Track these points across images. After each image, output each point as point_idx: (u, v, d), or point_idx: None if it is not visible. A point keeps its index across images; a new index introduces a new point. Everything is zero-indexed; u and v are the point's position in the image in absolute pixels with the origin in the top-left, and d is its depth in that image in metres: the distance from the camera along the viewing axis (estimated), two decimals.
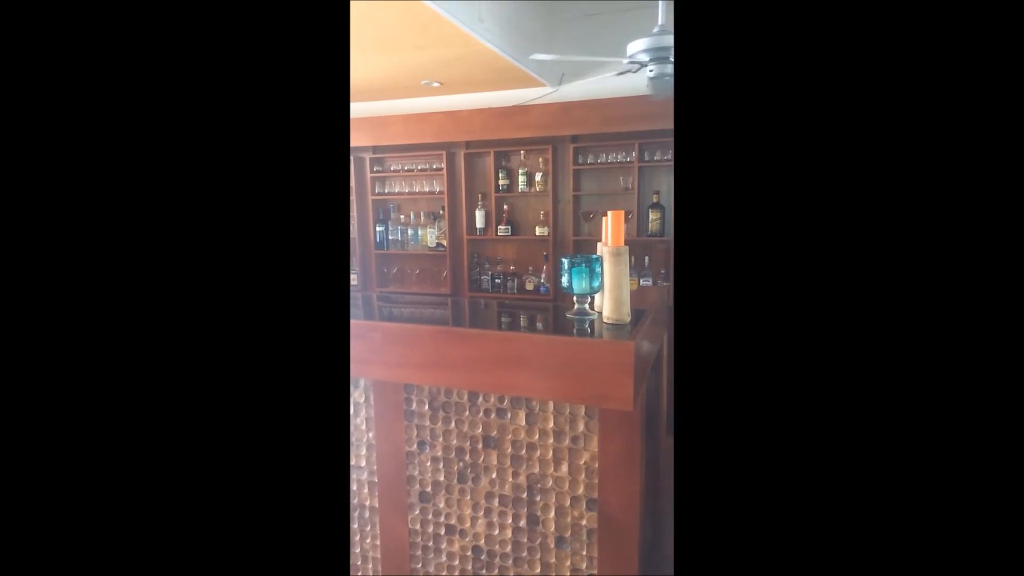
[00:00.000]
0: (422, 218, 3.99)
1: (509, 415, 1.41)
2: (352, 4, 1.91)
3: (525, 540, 1.44)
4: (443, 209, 3.84)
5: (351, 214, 4.03)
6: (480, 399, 1.44)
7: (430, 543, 1.55)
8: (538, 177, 3.59)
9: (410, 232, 4.01)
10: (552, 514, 1.40)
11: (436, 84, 3.42)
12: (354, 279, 4.11)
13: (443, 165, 3.76)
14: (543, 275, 3.70)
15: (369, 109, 3.97)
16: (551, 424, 1.37)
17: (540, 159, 3.61)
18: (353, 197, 4.01)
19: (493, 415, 1.43)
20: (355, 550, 1.67)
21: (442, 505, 1.52)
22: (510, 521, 1.45)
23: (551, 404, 1.36)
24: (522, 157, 3.66)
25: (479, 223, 3.76)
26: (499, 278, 3.82)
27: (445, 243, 3.86)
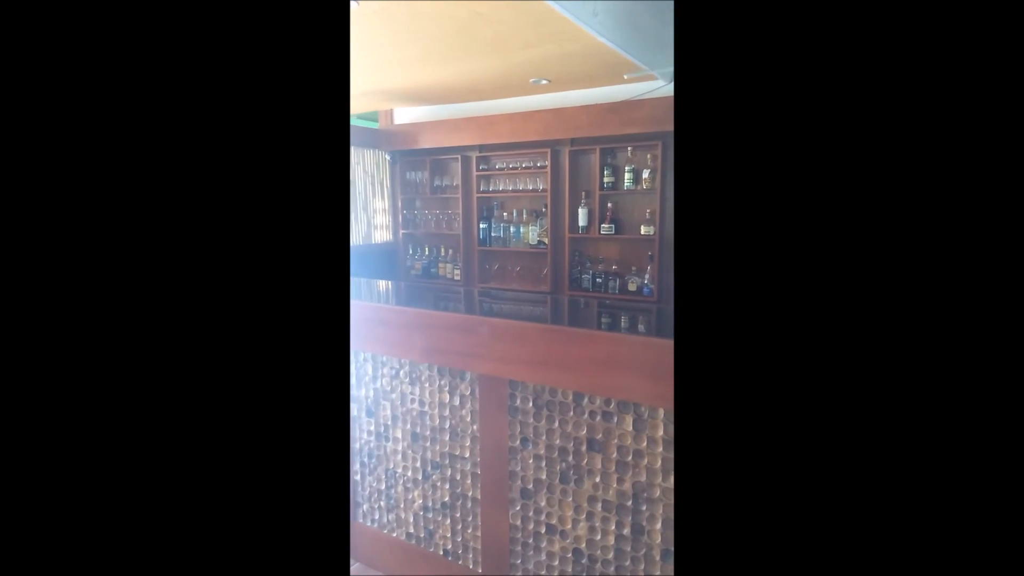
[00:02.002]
0: (524, 216, 4.02)
1: (616, 419, 1.37)
2: (466, 7, 1.95)
3: (629, 549, 1.39)
4: (546, 207, 3.84)
5: (457, 211, 4.15)
6: (585, 400, 1.41)
7: (530, 540, 1.55)
8: (645, 174, 3.48)
9: (512, 229, 4.06)
10: (659, 525, 1.34)
11: (544, 82, 3.42)
12: (457, 274, 4.23)
13: (547, 163, 3.76)
14: (647, 275, 3.58)
15: (476, 108, 4.06)
16: (660, 432, 1.31)
17: (648, 155, 3.49)
18: (459, 195, 4.13)
19: (599, 417, 1.40)
20: (456, 539, 1.71)
21: (543, 504, 1.51)
22: (613, 528, 1.41)
23: (661, 411, 1.31)
24: (629, 154, 3.57)
25: (582, 221, 3.72)
26: (600, 277, 3.75)
27: (547, 241, 3.86)
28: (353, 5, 1.85)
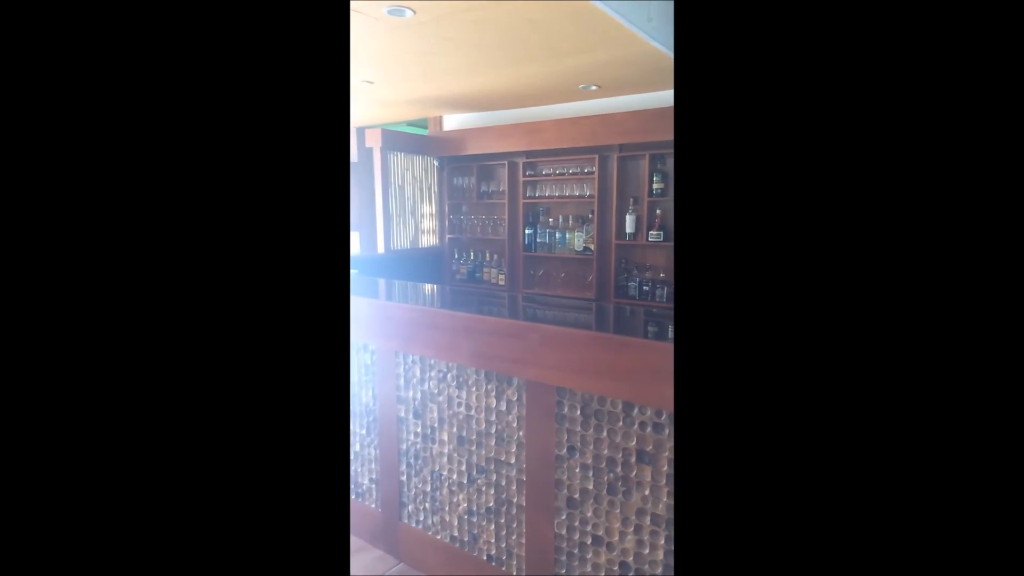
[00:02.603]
0: (570, 221, 4.00)
1: (667, 431, 1.34)
2: (519, 14, 1.96)
3: None
4: (592, 213, 3.82)
5: (503, 216, 4.17)
6: (635, 411, 1.38)
7: (575, 551, 1.53)
8: None
9: (558, 235, 4.05)
10: None
11: (594, 87, 3.40)
12: (501, 279, 4.25)
13: (595, 168, 3.74)
14: None
15: (523, 115, 4.08)
16: None
17: None
18: (505, 200, 4.15)
19: (649, 429, 1.37)
20: (500, 544, 1.71)
21: (590, 514, 1.49)
22: (663, 542, 1.37)
23: None
24: None
25: (629, 228, 3.67)
26: (647, 285, 3.69)
27: (593, 247, 3.83)
28: (407, 13, 1.90)
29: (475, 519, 1.77)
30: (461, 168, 4.34)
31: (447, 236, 4.43)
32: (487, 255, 4.36)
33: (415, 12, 1.84)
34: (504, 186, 4.14)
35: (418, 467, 1.92)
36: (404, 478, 1.97)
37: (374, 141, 3.74)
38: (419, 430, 1.90)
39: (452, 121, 4.27)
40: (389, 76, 2.75)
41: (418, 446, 1.91)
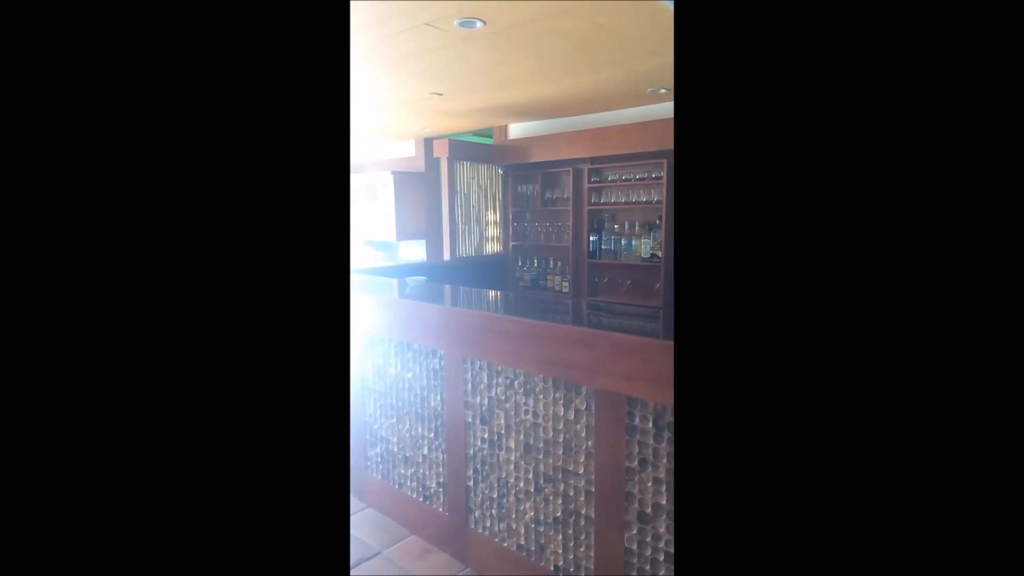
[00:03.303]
0: (636, 228, 3.92)
1: None
2: (589, 20, 1.95)
3: None
4: (660, 219, 3.72)
5: (567, 223, 4.15)
6: None
7: (647, 567, 1.48)
8: None
9: (623, 242, 3.97)
10: None
11: (663, 91, 3.33)
12: (565, 286, 4.22)
13: (663, 174, 3.65)
14: None
15: (588, 121, 4.05)
16: None
17: None
18: (569, 207, 4.13)
19: None
20: (567, 556, 1.68)
21: (662, 531, 1.44)
22: None
23: None
24: None
25: None
26: None
27: (660, 254, 3.73)
28: (477, 25, 1.93)
29: (542, 528, 1.75)
30: (525, 176, 4.36)
31: (511, 243, 4.46)
32: (551, 262, 4.35)
33: (486, 23, 1.87)
34: (568, 193, 4.12)
35: (485, 473, 1.93)
36: (471, 483, 1.98)
37: (442, 151, 3.83)
38: (486, 436, 1.91)
39: (517, 129, 4.31)
40: (458, 87, 2.81)
41: (485, 452, 1.92)
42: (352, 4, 1.73)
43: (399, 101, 3.13)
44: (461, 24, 1.88)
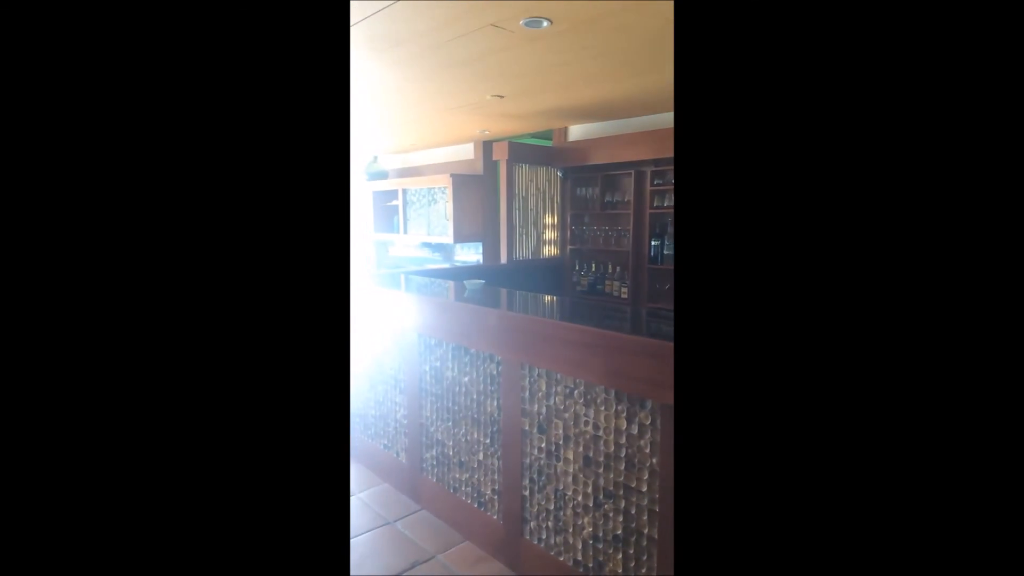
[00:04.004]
0: None
1: None
2: (661, 16, 1.86)
3: None
4: None
5: (627, 227, 4.04)
6: None
7: None
8: None
9: None
10: None
11: None
12: (624, 292, 4.11)
13: None
14: None
15: (650, 122, 3.93)
16: None
17: None
18: (630, 211, 4.01)
19: None
20: (627, 575, 1.60)
21: None
22: None
23: None
24: None
25: None
26: None
27: None
28: (544, 24, 1.88)
29: (600, 546, 1.68)
30: (585, 178, 4.28)
31: (568, 247, 4.39)
32: (609, 267, 4.25)
33: (552, 22, 1.83)
34: (630, 196, 4.01)
35: (541, 483, 1.88)
36: (527, 493, 1.93)
37: (501, 154, 3.81)
38: (543, 446, 1.86)
39: (577, 131, 4.24)
40: (520, 89, 2.78)
41: (542, 462, 1.87)
42: (418, 7, 1.73)
43: (460, 104, 3.14)
44: (527, 24, 1.85)
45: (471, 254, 4.91)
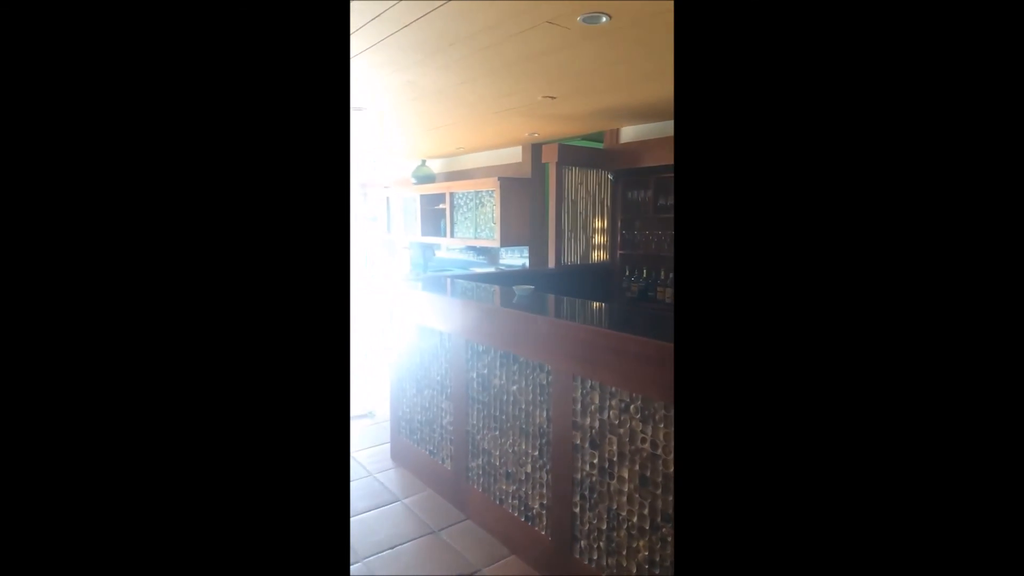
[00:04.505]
0: None
1: None
2: None
3: None
4: None
5: None
6: None
7: None
8: None
9: None
10: None
11: None
12: None
13: None
14: None
15: None
16: None
17: None
18: None
19: None
20: None
21: None
22: None
23: None
24: None
25: None
26: None
27: None
28: (603, 20, 1.80)
29: (658, 571, 1.58)
30: (637, 181, 4.15)
31: (619, 252, 4.27)
32: (662, 273, 4.10)
33: (611, 17, 1.74)
34: None
35: (593, 501, 1.79)
36: (577, 510, 1.85)
37: (550, 156, 3.74)
38: (595, 462, 1.77)
39: (629, 133, 4.12)
40: (573, 89, 2.70)
41: (594, 479, 1.78)
42: (471, 6, 1.68)
43: (510, 107, 3.08)
44: (585, 20, 1.77)
45: (516, 258, 4.86)
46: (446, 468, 2.55)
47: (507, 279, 3.47)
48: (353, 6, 1.71)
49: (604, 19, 1.77)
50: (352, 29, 1.93)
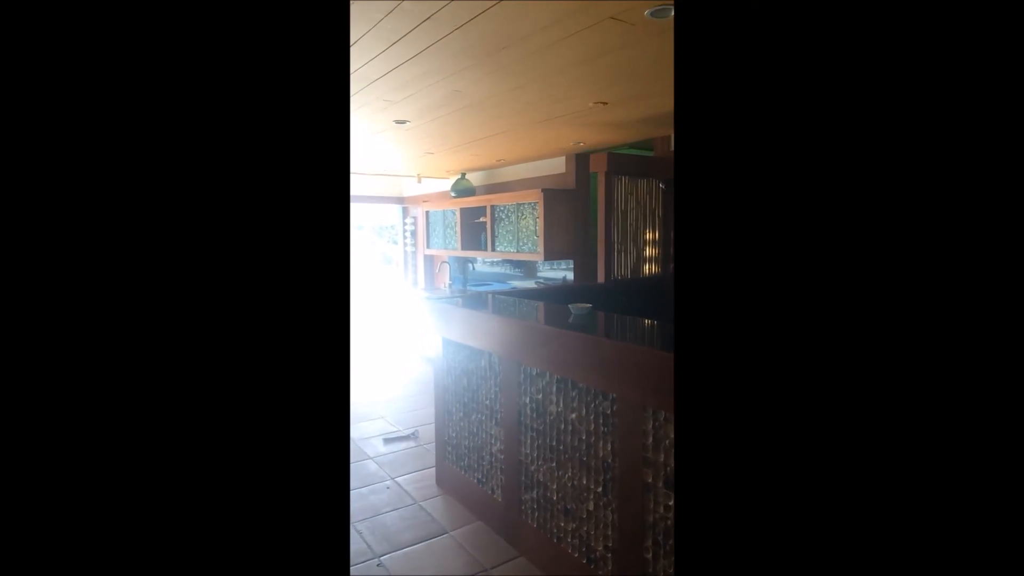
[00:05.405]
0: None
1: None
2: None
3: None
4: None
5: None
6: None
7: None
8: None
9: None
10: None
11: None
12: None
13: None
14: None
15: None
16: None
17: None
18: None
19: None
20: None
21: None
22: None
23: None
24: None
25: None
26: None
27: None
28: (671, 13, 1.64)
29: None
30: None
31: (671, 265, 4.05)
32: None
33: (669, 16, 1.58)
34: None
35: (669, 548, 1.59)
36: (650, 556, 1.65)
37: (598, 166, 3.58)
38: (671, 503, 1.58)
39: None
40: (629, 94, 2.54)
41: (670, 522, 1.58)
42: (527, 5, 1.55)
43: (559, 114, 2.95)
44: (652, 14, 1.62)
45: (555, 271, 4.69)
46: (496, 499, 2.39)
47: (554, 295, 3.30)
48: (396, 11, 1.61)
49: (673, 12, 1.61)
50: (395, 37, 1.82)
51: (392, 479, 2.96)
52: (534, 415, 2.14)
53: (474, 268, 5.82)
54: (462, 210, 5.30)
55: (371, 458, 3.24)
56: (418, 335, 5.71)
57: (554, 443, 2.04)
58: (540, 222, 4.23)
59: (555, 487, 2.05)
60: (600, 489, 1.84)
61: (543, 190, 4.21)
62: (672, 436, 1.56)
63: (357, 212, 6.49)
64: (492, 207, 4.84)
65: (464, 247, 5.34)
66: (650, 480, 1.64)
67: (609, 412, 1.79)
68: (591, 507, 1.88)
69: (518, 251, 4.59)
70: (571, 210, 4.35)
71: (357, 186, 6.11)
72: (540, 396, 2.09)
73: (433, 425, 3.15)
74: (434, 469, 2.96)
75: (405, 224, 6.61)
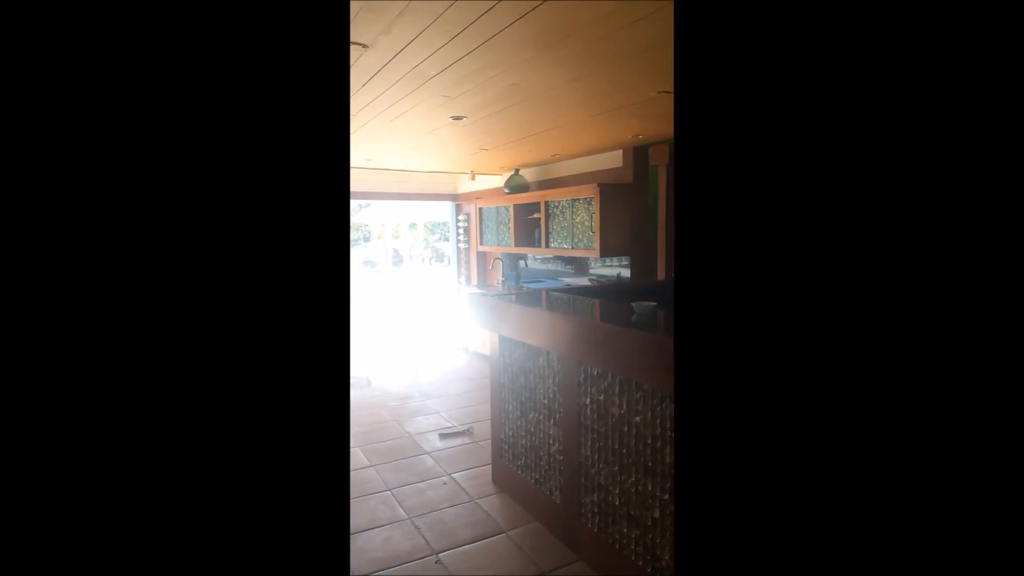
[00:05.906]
0: None
1: None
2: None
3: None
4: None
5: None
6: None
7: None
8: None
9: None
10: None
11: None
12: None
13: None
14: None
15: None
16: None
17: None
18: None
19: None
20: None
21: None
22: None
23: None
24: None
25: None
26: None
27: None
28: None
29: None
30: None
31: None
32: None
33: None
34: None
35: None
36: None
37: (659, 159, 3.45)
38: None
39: None
40: None
41: None
42: None
43: (619, 105, 2.85)
44: None
45: (608, 268, 4.58)
46: (555, 501, 2.34)
47: (612, 293, 3.21)
48: (455, 6, 1.57)
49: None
50: (456, 31, 1.79)
51: (448, 475, 2.96)
52: (595, 416, 2.07)
53: (526, 265, 5.78)
54: (515, 206, 5.26)
55: (428, 453, 3.27)
56: (470, 332, 5.73)
57: (616, 446, 1.97)
58: (596, 217, 4.14)
59: (617, 492, 1.98)
60: (667, 497, 1.76)
61: (599, 184, 4.11)
62: None
63: (410, 210, 6.57)
64: (546, 203, 4.77)
65: (517, 244, 5.31)
66: None
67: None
68: (656, 515, 1.80)
69: (572, 247, 4.51)
70: (628, 205, 4.23)
71: (410, 184, 6.19)
72: (602, 397, 2.03)
73: (487, 422, 3.14)
74: (490, 467, 2.95)
75: (458, 221, 6.65)
